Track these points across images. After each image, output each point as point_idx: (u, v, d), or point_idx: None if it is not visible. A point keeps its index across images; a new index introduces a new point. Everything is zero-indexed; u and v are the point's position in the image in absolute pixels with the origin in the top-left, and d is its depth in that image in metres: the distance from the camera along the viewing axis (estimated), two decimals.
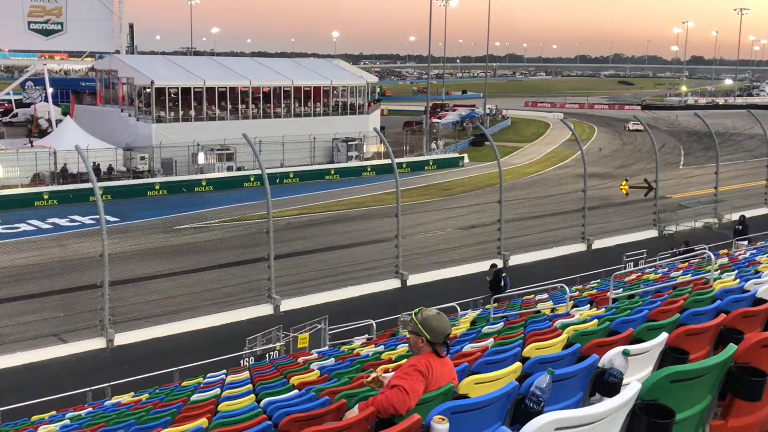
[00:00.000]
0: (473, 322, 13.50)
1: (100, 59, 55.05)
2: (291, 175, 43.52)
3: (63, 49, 60.01)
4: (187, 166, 42.06)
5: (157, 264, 24.10)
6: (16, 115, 60.18)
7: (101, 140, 41.17)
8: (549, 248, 26.72)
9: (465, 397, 3.73)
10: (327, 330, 17.33)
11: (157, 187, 39.18)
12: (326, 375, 8.31)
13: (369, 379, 4.61)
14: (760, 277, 7.77)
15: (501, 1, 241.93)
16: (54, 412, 12.09)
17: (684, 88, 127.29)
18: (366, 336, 16.34)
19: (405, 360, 5.39)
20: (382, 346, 11.25)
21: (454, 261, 25.00)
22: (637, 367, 3.65)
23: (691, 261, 16.34)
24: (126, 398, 11.92)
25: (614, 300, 11.01)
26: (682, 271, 14.64)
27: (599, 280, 18.92)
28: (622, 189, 32.15)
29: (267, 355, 16.38)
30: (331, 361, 10.45)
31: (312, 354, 13.53)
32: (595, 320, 6.65)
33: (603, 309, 9.14)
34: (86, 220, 31.47)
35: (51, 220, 32.42)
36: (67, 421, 9.78)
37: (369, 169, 46.69)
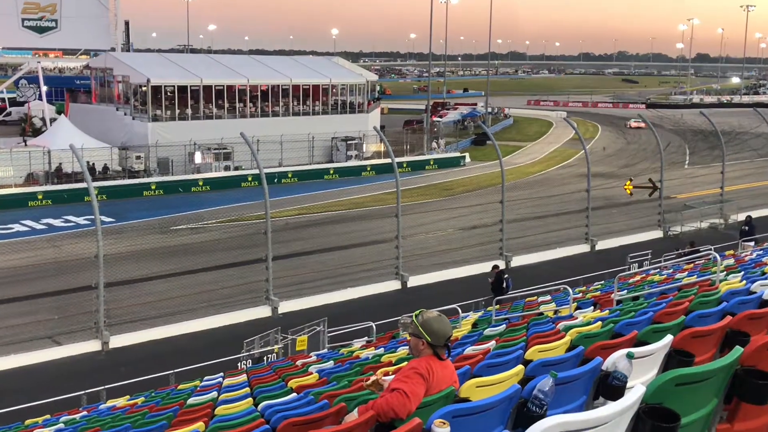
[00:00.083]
0: (475, 325, 13.50)
1: (95, 57, 55.15)
2: (289, 175, 43.53)
3: (57, 47, 60.14)
4: (183, 165, 42.06)
5: (153, 265, 24.10)
6: (9, 114, 60.20)
7: (96, 139, 41.17)
8: (552, 249, 26.72)
9: (466, 400, 3.72)
10: (326, 332, 17.33)
11: (153, 187, 39.18)
12: (325, 378, 8.30)
13: (369, 382, 4.61)
14: (766, 279, 7.77)
15: None
16: (48, 416, 12.07)
17: (688, 87, 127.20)
18: (366, 338, 16.33)
19: (405, 363, 5.38)
20: (382, 349, 11.25)
21: (455, 262, 25.00)
22: (641, 370, 3.64)
23: (697, 262, 16.34)
24: (121, 402, 11.92)
25: (618, 302, 11.01)
26: (687, 272, 14.64)
27: (603, 282, 18.92)
28: (626, 189, 32.16)
29: (265, 358, 16.38)
30: (330, 363, 10.45)
31: (311, 357, 13.54)
32: (599, 322, 6.65)
33: (607, 311, 9.14)
34: (81, 220, 31.47)
35: (45, 221, 32.42)
36: (61, 425, 9.78)
37: (369, 169, 46.70)
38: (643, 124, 70.40)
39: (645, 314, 5.96)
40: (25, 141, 43.28)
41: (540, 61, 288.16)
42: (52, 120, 46.52)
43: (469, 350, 7.04)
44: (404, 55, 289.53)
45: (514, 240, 26.41)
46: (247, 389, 9.16)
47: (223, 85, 47.61)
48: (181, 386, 12.46)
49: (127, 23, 64.43)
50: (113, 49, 52.12)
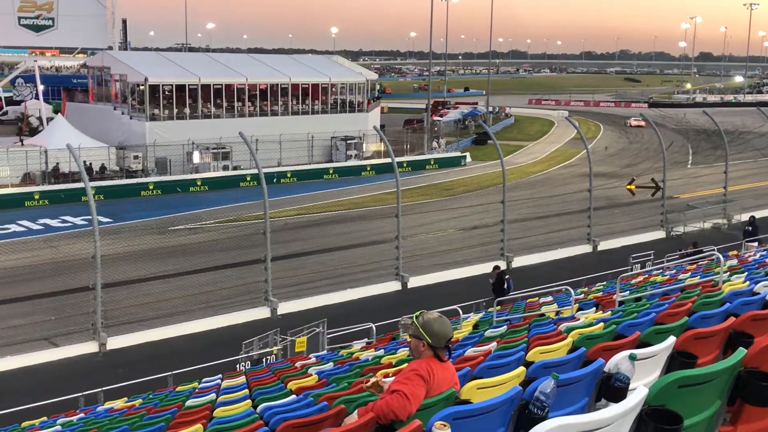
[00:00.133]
0: (476, 326, 13.50)
1: (92, 56, 55.15)
2: (288, 175, 43.53)
3: (54, 46, 60.21)
4: (181, 165, 42.07)
5: (150, 266, 24.10)
6: (6, 113, 60.19)
7: (93, 139, 41.17)
8: (553, 249, 26.72)
9: (467, 402, 3.73)
10: (325, 333, 17.33)
11: (150, 187, 39.18)
12: (325, 380, 8.31)
13: (368, 384, 4.61)
14: None
15: None
16: (45, 418, 12.08)
17: (689, 86, 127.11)
18: (365, 340, 16.34)
19: (405, 364, 5.39)
20: (382, 350, 11.25)
21: (456, 263, 25.00)
22: (644, 372, 3.65)
23: (700, 263, 16.34)
24: (119, 403, 11.92)
25: (620, 303, 11.01)
26: (690, 273, 14.64)
27: (605, 283, 18.91)
28: (629, 189, 32.17)
29: (264, 360, 16.38)
30: (330, 365, 10.45)
31: (310, 358, 13.54)
32: (601, 323, 6.65)
33: (609, 312, 9.14)
34: (78, 220, 31.46)
35: (42, 221, 32.41)
36: (58, 428, 9.79)
37: (368, 169, 46.70)
38: (643, 123, 70.98)
39: (647, 315, 5.96)
40: (21, 140, 43.26)
41: (541, 60, 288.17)
42: (49, 119, 46.56)
43: (470, 352, 7.04)
44: (404, 53, 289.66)
45: (516, 240, 26.41)
46: (246, 391, 9.16)
47: (222, 84, 47.61)
48: (179, 388, 12.46)
49: (124, 21, 64.50)
50: (110, 48, 52.20)
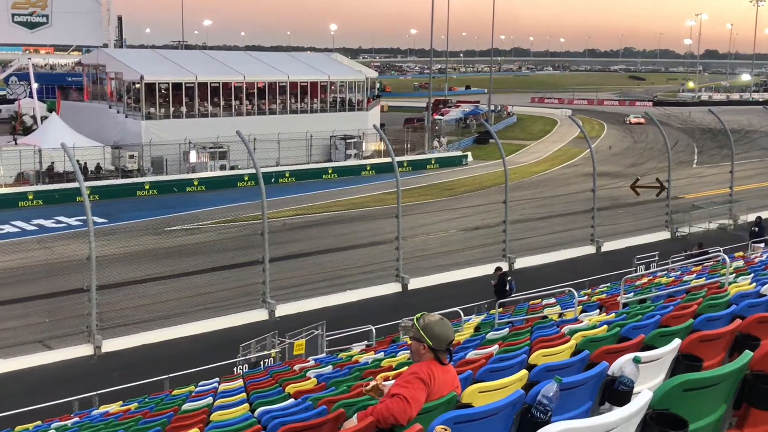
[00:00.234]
0: (477, 328, 13.50)
1: (87, 53, 55.16)
2: (287, 174, 43.54)
3: (48, 43, 60.20)
4: (178, 164, 42.07)
5: (146, 267, 24.10)
6: None
7: (88, 138, 41.20)
8: (556, 251, 26.72)
9: (468, 406, 3.73)
10: (324, 336, 17.33)
11: (146, 187, 39.20)
12: (323, 383, 8.30)
13: (368, 387, 4.60)
14: None
15: None
16: (39, 422, 12.08)
17: (691, 84, 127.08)
18: (365, 342, 16.34)
19: (406, 367, 5.38)
20: (382, 353, 11.25)
21: (457, 264, 25.01)
22: (648, 375, 3.65)
23: (705, 264, 16.33)
24: (114, 407, 11.92)
25: (624, 305, 11.01)
26: (695, 274, 14.64)
27: (609, 284, 18.91)
28: (632, 189, 32.18)
29: (261, 363, 16.38)
30: (329, 368, 10.46)
31: (309, 361, 13.54)
32: (605, 326, 6.65)
33: (613, 314, 9.14)
34: (73, 221, 31.48)
35: (36, 222, 32.43)
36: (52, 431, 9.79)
37: (368, 168, 46.72)
38: (642, 120, 71.40)
39: (652, 317, 5.96)
40: (15, 140, 43.30)
41: (544, 58, 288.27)
42: (43, 118, 46.56)
43: (472, 354, 7.04)
44: (405, 51, 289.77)
45: (518, 241, 26.42)
46: (244, 395, 9.16)
47: (219, 82, 47.61)
48: (175, 391, 12.47)
49: (120, 19, 64.50)
50: (106, 46, 52.18)
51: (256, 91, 49.61)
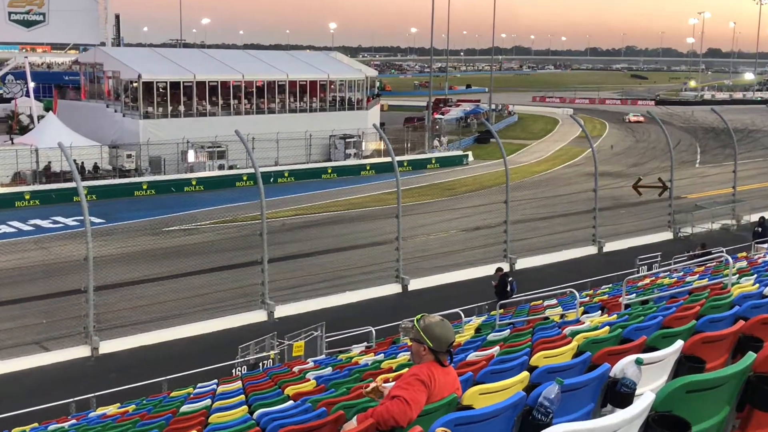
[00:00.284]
0: (478, 329, 13.50)
1: (84, 52, 55.15)
2: (286, 174, 43.53)
3: (45, 41, 60.25)
4: (176, 164, 42.07)
5: (144, 268, 24.10)
6: None
7: (85, 137, 41.18)
8: (558, 251, 26.73)
9: (469, 408, 3.73)
10: (324, 337, 17.33)
11: (144, 187, 39.19)
12: (323, 385, 8.30)
13: (368, 389, 4.61)
14: None
15: None
16: (36, 424, 12.08)
17: (692, 83, 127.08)
18: (365, 344, 16.34)
19: (406, 369, 5.39)
20: (382, 355, 11.25)
21: (457, 265, 25.01)
22: (650, 377, 3.65)
23: (708, 264, 16.33)
24: (111, 409, 11.92)
25: (627, 306, 11.01)
26: (698, 275, 14.64)
27: (611, 285, 18.91)
28: (634, 189, 32.19)
29: (260, 364, 16.38)
30: (328, 370, 10.46)
31: (308, 363, 13.54)
32: (607, 327, 6.65)
33: (615, 315, 9.14)
34: (70, 221, 31.47)
35: (32, 222, 32.42)
36: None
37: (368, 168, 46.71)
38: (642, 118, 71.64)
39: (654, 319, 5.96)
40: (11, 139, 43.26)
41: (545, 56, 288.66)
42: (40, 117, 46.53)
43: (472, 356, 7.04)
44: (405, 49, 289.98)
45: (519, 242, 26.42)
46: (242, 397, 9.16)
47: (217, 81, 47.61)
48: (173, 393, 12.47)
49: (117, 17, 64.52)
50: (103, 44, 52.19)
51: (254, 90, 49.60)
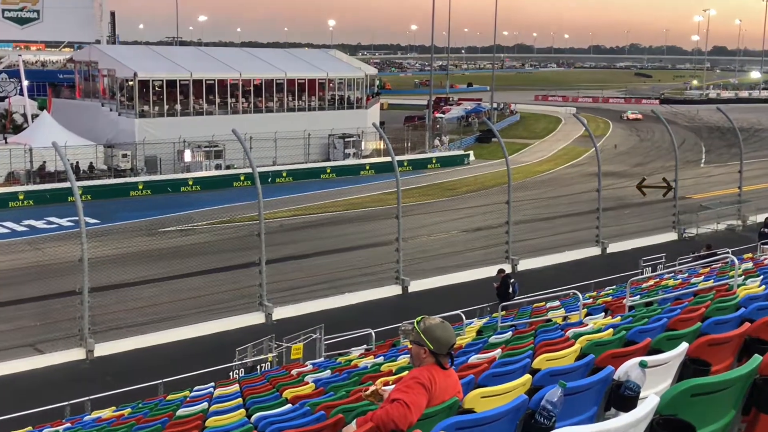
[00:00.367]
0: (479, 332, 13.51)
1: (79, 50, 55.11)
2: (284, 174, 43.54)
3: (39, 39, 60.19)
4: (172, 164, 42.07)
5: (140, 269, 24.10)
6: None
7: (80, 136, 41.16)
8: (561, 252, 26.74)
9: (471, 411, 3.73)
10: (322, 340, 17.34)
11: (140, 187, 39.20)
12: (322, 388, 8.31)
13: (368, 392, 4.61)
14: None
15: None
16: (30, 428, 12.09)
17: (695, 82, 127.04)
18: (364, 346, 16.34)
19: (406, 372, 5.39)
20: (382, 357, 11.25)
21: (458, 266, 25.01)
22: (655, 380, 3.65)
23: (713, 266, 16.35)
24: (107, 413, 11.93)
25: (630, 308, 11.01)
26: (703, 276, 14.65)
27: (614, 287, 18.91)
28: (639, 189, 32.19)
29: (258, 367, 16.39)
30: (327, 373, 10.46)
31: (306, 366, 13.54)
32: (610, 329, 6.65)
33: (618, 317, 9.15)
34: (64, 222, 31.48)
35: (26, 222, 32.43)
36: None
37: (368, 168, 46.73)
38: (640, 116, 71.88)
39: (659, 321, 5.96)
40: (5, 138, 43.30)
41: (548, 54, 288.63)
42: (34, 116, 46.54)
43: (474, 359, 7.04)
44: (405, 47, 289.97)
45: (521, 242, 26.43)
46: (240, 400, 9.16)
47: (214, 80, 47.63)
48: (169, 397, 12.47)
49: (113, 14, 64.46)
50: (98, 42, 52.05)
51: (252, 88, 49.56)
